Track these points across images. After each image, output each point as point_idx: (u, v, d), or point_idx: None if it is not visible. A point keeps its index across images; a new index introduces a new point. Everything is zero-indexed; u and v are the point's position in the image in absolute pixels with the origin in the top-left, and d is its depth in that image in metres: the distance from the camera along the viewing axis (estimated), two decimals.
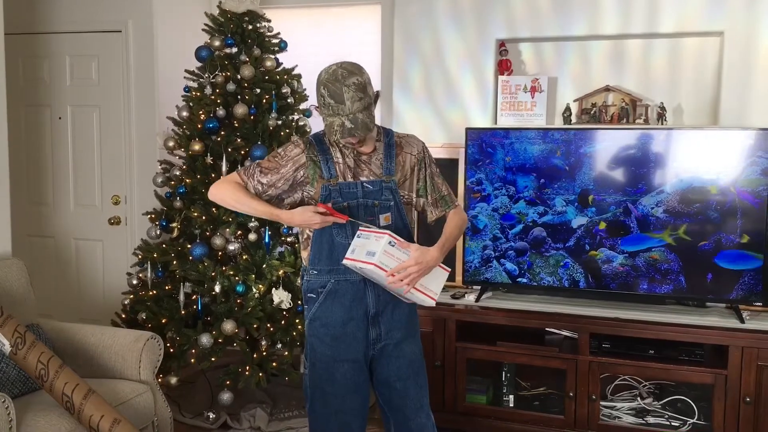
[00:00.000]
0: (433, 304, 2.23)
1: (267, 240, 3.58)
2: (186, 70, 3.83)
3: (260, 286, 3.48)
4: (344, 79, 2.10)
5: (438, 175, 2.39)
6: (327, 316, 2.26)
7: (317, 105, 2.19)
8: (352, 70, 2.14)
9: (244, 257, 3.55)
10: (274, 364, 3.53)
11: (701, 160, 3.28)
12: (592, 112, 3.72)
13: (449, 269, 2.27)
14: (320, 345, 2.28)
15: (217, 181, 2.35)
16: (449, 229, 2.33)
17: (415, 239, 2.35)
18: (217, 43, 3.74)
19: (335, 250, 2.23)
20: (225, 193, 2.28)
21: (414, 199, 2.35)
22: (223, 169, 3.60)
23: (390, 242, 2.11)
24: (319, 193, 2.23)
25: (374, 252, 2.09)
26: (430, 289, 2.21)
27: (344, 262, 2.17)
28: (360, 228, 2.19)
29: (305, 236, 2.30)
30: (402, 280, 2.12)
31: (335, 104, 2.10)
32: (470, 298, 3.58)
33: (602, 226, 3.40)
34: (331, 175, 2.23)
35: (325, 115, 2.15)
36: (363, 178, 2.25)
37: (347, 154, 2.26)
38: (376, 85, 2.46)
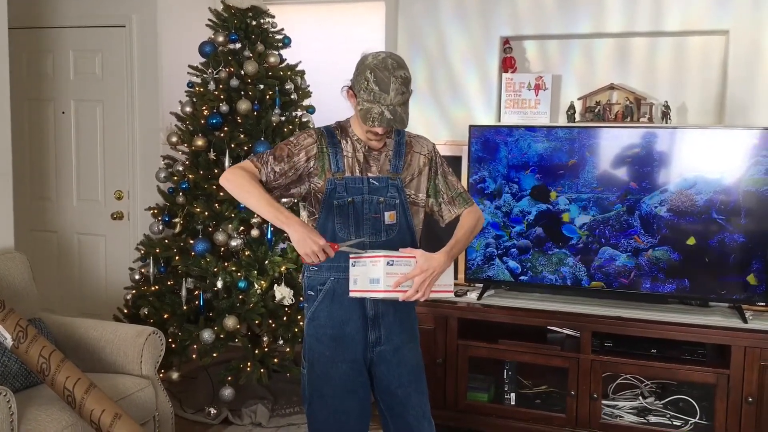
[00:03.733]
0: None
1: (269, 236, 3.58)
2: (189, 66, 3.82)
3: (262, 282, 3.48)
4: (394, 69, 2.08)
5: (452, 174, 2.37)
6: (325, 316, 2.23)
7: (350, 87, 2.14)
8: (401, 63, 2.12)
9: (246, 253, 3.55)
10: (275, 360, 3.54)
11: (705, 159, 3.27)
12: (597, 111, 3.72)
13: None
14: (318, 345, 2.25)
15: (230, 168, 2.24)
16: (460, 233, 2.27)
17: (419, 242, 2.31)
18: (220, 39, 3.73)
19: None
20: (236, 183, 2.15)
21: (422, 200, 2.32)
22: (226, 165, 3.59)
23: (388, 262, 2.01)
24: (324, 186, 2.21)
25: (377, 278, 2.01)
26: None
27: (351, 294, 2.12)
28: (351, 256, 2.11)
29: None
30: (414, 294, 2.06)
31: (379, 92, 2.06)
32: (472, 296, 3.57)
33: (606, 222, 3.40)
34: (338, 169, 2.20)
35: (362, 100, 2.09)
36: (370, 174, 2.23)
37: (358, 148, 2.23)
38: None
